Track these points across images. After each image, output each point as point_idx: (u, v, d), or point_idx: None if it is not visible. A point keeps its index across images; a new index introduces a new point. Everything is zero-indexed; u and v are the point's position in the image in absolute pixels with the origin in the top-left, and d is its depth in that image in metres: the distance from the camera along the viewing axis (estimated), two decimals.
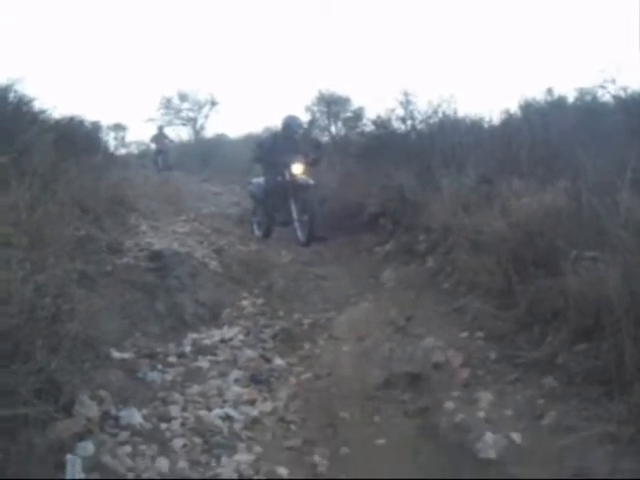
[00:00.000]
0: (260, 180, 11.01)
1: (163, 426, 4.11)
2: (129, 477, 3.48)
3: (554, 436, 3.56)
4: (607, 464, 3.19)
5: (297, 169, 9.99)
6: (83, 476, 3.29)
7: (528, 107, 10.79)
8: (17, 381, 3.32)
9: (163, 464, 3.62)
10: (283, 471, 3.64)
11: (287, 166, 10.03)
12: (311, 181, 9.96)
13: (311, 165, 10.34)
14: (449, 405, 4.15)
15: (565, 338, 4.34)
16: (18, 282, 3.78)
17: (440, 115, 9.85)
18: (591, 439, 3.40)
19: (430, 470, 3.54)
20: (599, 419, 3.55)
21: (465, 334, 5.12)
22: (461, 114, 10.20)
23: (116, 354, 5.02)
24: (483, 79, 37.76)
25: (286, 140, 10.60)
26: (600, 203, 5.02)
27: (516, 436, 3.62)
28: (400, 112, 10.38)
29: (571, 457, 3.32)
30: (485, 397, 4.14)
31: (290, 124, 10.77)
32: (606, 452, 3.29)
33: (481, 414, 3.95)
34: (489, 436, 3.64)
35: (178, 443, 3.89)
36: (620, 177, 5.20)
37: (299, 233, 9.85)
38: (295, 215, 9.94)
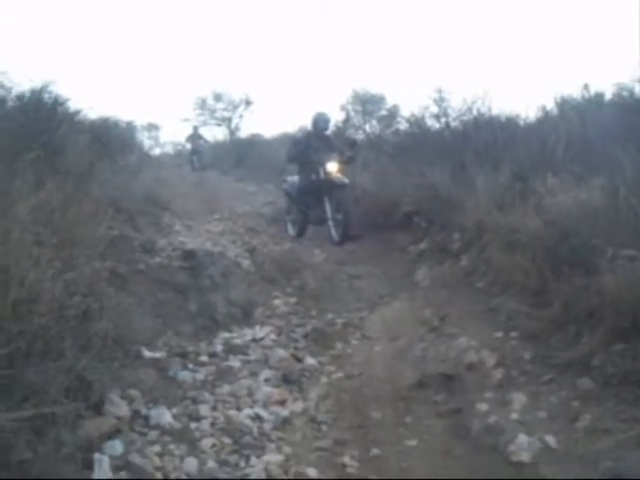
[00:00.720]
0: (295, 178, 10.90)
1: (193, 425, 4.09)
2: (157, 477, 3.47)
3: (589, 439, 3.48)
4: None
5: (332, 167, 9.75)
6: (111, 475, 3.29)
7: (564, 104, 10.61)
8: (46, 380, 3.32)
9: (192, 464, 3.60)
10: (312, 472, 3.60)
11: (322, 164, 9.84)
12: (346, 180, 9.72)
13: (346, 163, 10.12)
14: (482, 406, 4.10)
15: (601, 338, 4.25)
16: (47, 280, 3.78)
17: (474, 112, 9.73)
18: (628, 442, 3.33)
19: (462, 472, 3.48)
20: (636, 421, 3.47)
21: (499, 334, 5.05)
22: (496, 111, 10.04)
23: (147, 353, 5.01)
24: (519, 75, 37.43)
25: (319, 138, 10.48)
26: (638, 201, 4.92)
27: (550, 439, 3.56)
28: (434, 110, 10.28)
29: (607, 460, 3.24)
30: (519, 398, 4.08)
31: (318, 121, 10.58)
32: None
33: (514, 416, 3.89)
34: (522, 438, 3.57)
35: (207, 443, 3.87)
36: None
37: (333, 232, 9.67)
38: (329, 214, 9.77)
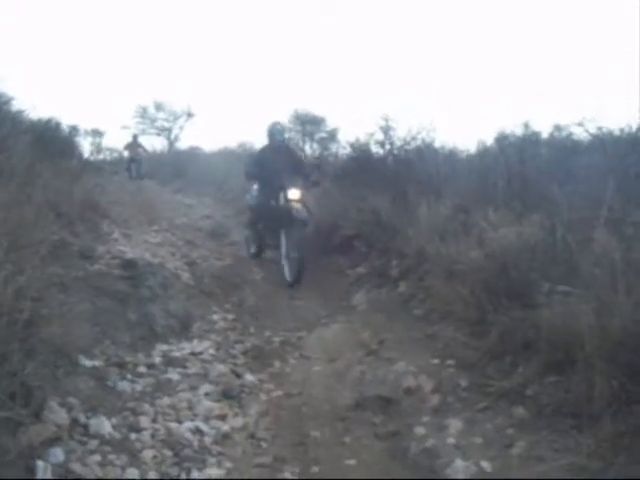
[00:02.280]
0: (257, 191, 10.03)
1: (133, 436, 4.09)
2: None
3: (523, 466, 3.61)
4: None
5: (294, 195, 8.74)
6: None
7: (503, 139, 10.93)
8: None
9: (133, 475, 3.61)
10: None
11: (283, 189, 8.82)
12: (306, 215, 8.67)
13: (310, 188, 9.31)
14: (419, 430, 4.20)
15: (536, 370, 4.41)
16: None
17: (419, 142, 9.93)
18: (560, 470, 3.46)
19: (291, 274, 3.54)
20: (568, 451, 3.62)
21: (437, 361, 5.18)
22: (439, 143, 10.29)
23: (86, 361, 4.98)
24: (462, 110, 38.20)
25: (276, 152, 9.60)
26: (574, 239, 5.12)
27: (485, 464, 3.68)
28: (379, 136, 10.43)
29: None
30: (455, 424, 4.19)
31: (273, 132, 9.75)
32: None
33: (451, 440, 4.00)
34: (459, 463, 3.68)
35: (148, 454, 3.88)
36: (595, 215, 5.31)
37: (286, 271, 8.66)
38: (284, 250, 8.80)
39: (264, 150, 9.98)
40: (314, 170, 10.16)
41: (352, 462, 3.98)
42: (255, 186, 10.01)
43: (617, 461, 3.46)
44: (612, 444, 3.55)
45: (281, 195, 8.89)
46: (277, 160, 9.38)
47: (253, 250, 10.12)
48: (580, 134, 8.10)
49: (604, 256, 4.69)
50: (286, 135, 10.53)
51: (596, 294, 4.36)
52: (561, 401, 4.03)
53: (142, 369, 5.31)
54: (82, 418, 4.08)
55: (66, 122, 19.53)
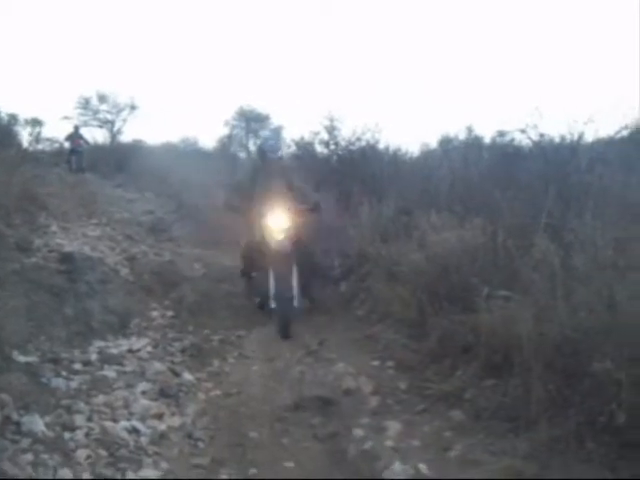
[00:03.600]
0: None
1: (67, 435, 3.98)
2: None
3: (460, 468, 3.64)
4: None
5: (273, 222, 6.79)
6: None
7: (447, 143, 11.04)
8: None
9: (66, 475, 3.51)
10: None
11: (263, 217, 6.87)
12: (286, 246, 6.74)
13: (308, 213, 7.19)
14: (358, 432, 4.19)
15: (474, 373, 4.46)
16: None
17: (363, 143, 9.96)
18: (496, 473, 3.49)
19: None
20: (505, 454, 3.66)
21: (376, 362, 5.20)
22: (383, 144, 10.33)
23: (20, 357, 4.87)
24: (406, 112, 38.45)
25: (269, 171, 7.39)
26: (515, 245, 5.18)
27: (423, 467, 3.68)
28: (324, 136, 10.42)
29: None
30: (393, 426, 4.20)
31: (264, 149, 7.66)
32: None
33: (389, 443, 4.01)
34: (397, 465, 3.68)
35: (82, 454, 3.78)
36: (535, 221, 5.38)
37: (276, 318, 6.60)
38: (272, 291, 6.68)
39: (255, 170, 7.78)
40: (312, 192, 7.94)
41: (290, 464, 3.95)
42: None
43: (553, 464, 3.52)
44: (548, 448, 3.60)
45: (260, 225, 6.92)
46: (269, 185, 7.17)
47: (258, 301, 7.43)
48: (522, 140, 8.21)
49: (544, 262, 4.76)
50: (278, 154, 7.88)
51: (535, 299, 4.42)
52: (498, 405, 4.08)
53: (78, 366, 5.20)
54: (14, 416, 3.97)
55: (4, 110, 19.16)
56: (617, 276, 4.23)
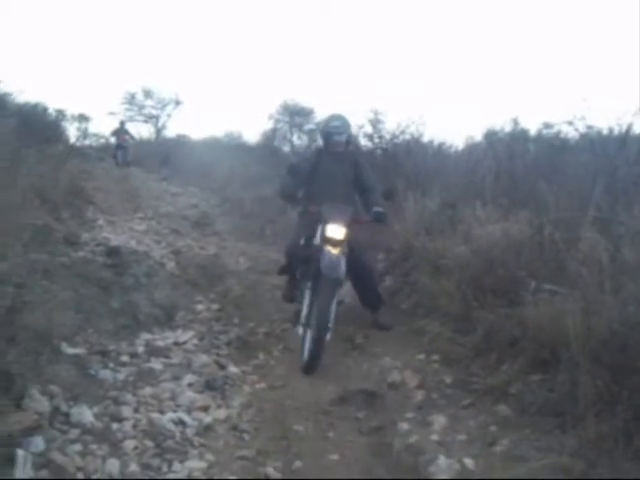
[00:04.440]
0: None
1: (114, 426, 4.06)
2: (78, 477, 3.43)
3: (506, 464, 3.60)
4: None
5: (333, 233, 5.54)
6: (32, 474, 3.24)
7: (492, 136, 10.92)
8: None
9: (114, 465, 3.58)
10: None
11: (323, 220, 5.65)
12: (339, 267, 5.45)
13: (373, 222, 6.06)
14: (403, 426, 4.18)
15: (520, 368, 4.42)
16: None
17: (407, 136, 9.91)
18: (543, 470, 3.45)
19: None
20: (551, 450, 3.61)
21: (422, 356, 5.18)
22: (427, 137, 10.27)
23: (68, 349, 4.94)
24: (451, 105, 38.20)
25: (333, 158, 6.41)
26: (562, 238, 5.12)
27: (469, 462, 3.66)
28: (368, 130, 10.38)
29: None
30: (439, 420, 4.19)
31: (329, 132, 6.42)
32: None
33: (434, 437, 3.99)
34: (442, 460, 3.67)
35: (129, 445, 3.84)
36: (583, 214, 5.31)
37: (305, 345, 5.52)
38: (304, 312, 5.69)
39: (317, 156, 6.58)
40: (387, 197, 6.33)
41: (335, 457, 3.96)
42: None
43: (600, 462, 3.47)
44: (595, 445, 3.55)
45: (318, 230, 5.75)
46: (332, 174, 6.33)
47: (287, 293, 6.61)
48: (569, 132, 8.10)
49: (591, 255, 4.70)
50: (348, 131, 6.66)
51: (582, 293, 4.36)
52: (545, 400, 4.03)
53: (125, 358, 5.28)
54: (63, 406, 4.05)
55: (53, 106, 19.46)
56: None
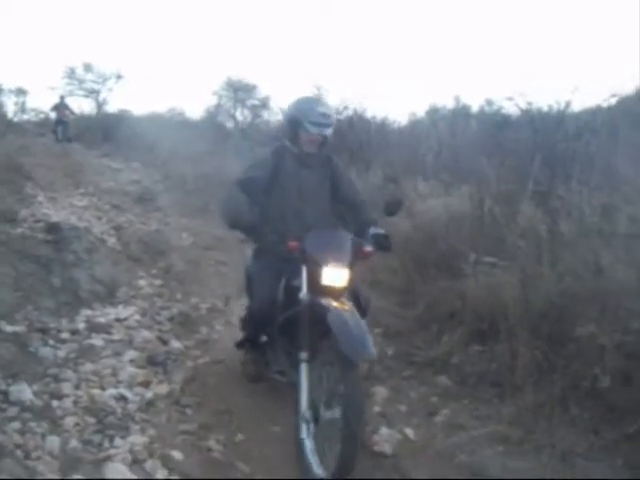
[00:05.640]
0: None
1: (55, 403, 3.98)
2: (17, 454, 3.38)
3: (446, 433, 3.69)
4: (497, 463, 3.33)
5: (336, 278, 3.67)
6: None
7: (434, 112, 11.03)
8: None
9: (54, 442, 3.51)
10: (177, 455, 3.59)
11: (308, 261, 3.74)
12: (362, 336, 3.35)
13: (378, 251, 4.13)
14: None
15: (461, 339, 4.50)
16: None
17: (350, 112, 9.94)
18: (482, 438, 3.54)
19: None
20: (490, 419, 3.71)
21: None
22: (371, 113, 10.30)
23: (7, 327, 4.86)
24: (393, 82, 38.39)
25: (302, 165, 4.28)
26: (501, 212, 5.21)
27: (410, 432, 3.73)
28: None
29: (462, 454, 3.44)
30: (380, 392, 4.25)
31: (312, 122, 4.07)
32: (496, 451, 3.44)
33: (376, 408, 4.05)
34: (384, 430, 3.73)
35: (70, 422, 3.78)
36: (522, 188, 5.40)
37: (306, 450, 3.55)
38: (304, 399, 3.59)
39: (277, 159, 4.28)
40: (387, 212, 4.29)
41: (277, 429, 3.98)
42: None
43: (537, 429, 3.56)
44: (533, 413, 3.65)
45: (303, 276, 3.76)
46: (302, 185, 4.28)
47: (252, 372, 4.54)
48: (510, 109, 8.21)
49: (530, 229, 4.78)
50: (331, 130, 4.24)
51: (521, 266, 4.45)
52: (484, 370, 4.13)
53: (65, 335, 5.20)
54: (2, 385, 3.98)
55: None
56: (602, 242, 4.25)
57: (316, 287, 3.64)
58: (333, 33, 53.63)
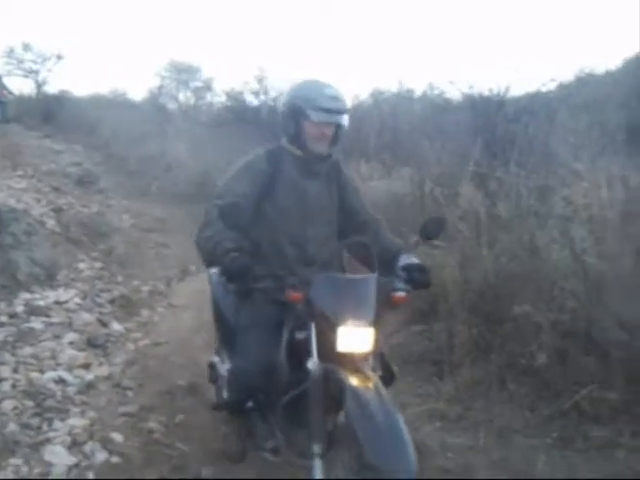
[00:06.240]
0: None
1: None
2: None
3: None
4: (436, 439, 3.39)
5: (356, 342, 2.48)
6: None
7: (378, 95, 11.08)
8: None
9: None
10: (118, 437, 3.58)
11: (317, 315, 2.57)
12: (397, 425, 2.33)
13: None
14: None
15: (402, 319, 4.55)
16: None
17: None
18: (422, 415, 3.60)
19: None
20: (430, 397, 3.77)
21: None
22: None
23: None
24: (337, 63, 38.37)
25: (308, 173, 3.05)
26: (442, 193, 5.27)
27: None
28: (254, 86, 10.32)
29: None
30: None
31: (323, 108, 2.86)
32: (435, 428, 3.51)
33: None
34: None
35: (8, 405, 3.75)
36: (462, 170, 5.47)
37: None
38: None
39: (275, 163, 3.04)
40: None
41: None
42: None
43: (475, 406, 3.64)
44: (470, 390, 3.73)
45: (312, 337, 2.61)
46: (311, 201, 3.09)
47: (237, 448, 3.34)
48: (452, 92, 8.31)
49: (469, 210, 4.85)
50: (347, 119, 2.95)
51: (461, 247, 4.52)
52: (425, 349, 4.18)
53: (3, 318, 5.13)
54: None
55: None
56: (538, 223, 4.34)
57: (330, 353, 2.52)
58: (277, 14, 53.33)
